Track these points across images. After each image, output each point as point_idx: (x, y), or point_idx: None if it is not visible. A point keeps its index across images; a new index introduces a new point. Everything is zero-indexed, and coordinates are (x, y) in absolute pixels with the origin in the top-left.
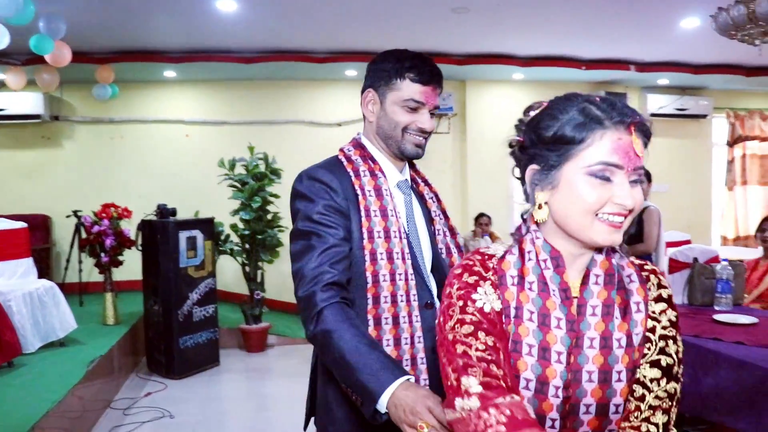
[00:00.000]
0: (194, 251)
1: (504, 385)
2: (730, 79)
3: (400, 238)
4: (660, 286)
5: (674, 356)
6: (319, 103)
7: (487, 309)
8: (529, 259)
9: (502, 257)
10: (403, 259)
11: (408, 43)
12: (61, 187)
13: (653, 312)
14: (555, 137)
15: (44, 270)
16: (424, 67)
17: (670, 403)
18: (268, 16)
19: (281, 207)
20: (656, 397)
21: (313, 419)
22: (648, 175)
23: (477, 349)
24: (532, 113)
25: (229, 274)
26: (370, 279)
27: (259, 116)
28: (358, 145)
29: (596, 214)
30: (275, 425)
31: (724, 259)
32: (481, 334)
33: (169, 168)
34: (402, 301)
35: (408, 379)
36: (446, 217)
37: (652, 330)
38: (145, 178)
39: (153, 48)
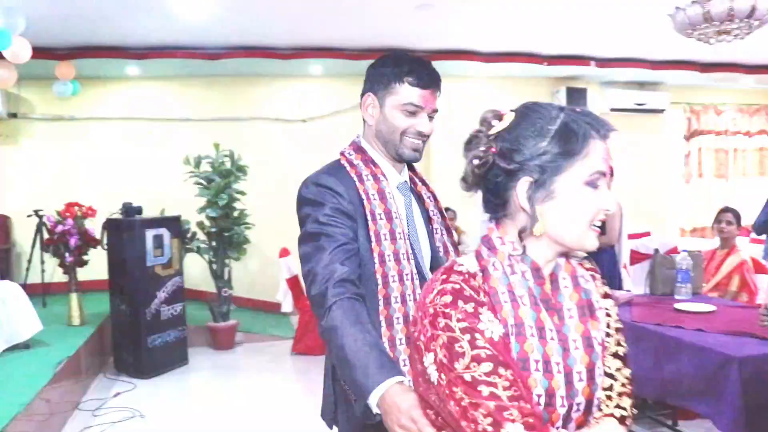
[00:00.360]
0: (161, 249)
1: (538, 416)
2: (686, 74)
3: (405, 239)
4: (603, 282)
5: (624, 345)
6: (285, 100)
7: (495, 338)
8: (513, 273)
9: (485, 274)
10: (408, 259)
11: (372, 39)
12: (20, 186)
13: (606, 308)
14: (559, 149)
15: (4, 271)
16: (423, 71)
17: (630, 387)
18: (232, 11)
19: (248, 204)
20: (622, 384)
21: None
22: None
23: (504, 388)
24: (498, 123)
25: (197, 272)
26: (380, 281)
27: (224, 113)
28: (358, 148)
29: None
30: (246, 421)
31: (684, 250)
32: (501, 370)
33: (133, 166)
34: (410, 300)
35: (401, 381)
36: (443, 217)
37: (608, 324)
38: (109, 177)
39: (115, 44)
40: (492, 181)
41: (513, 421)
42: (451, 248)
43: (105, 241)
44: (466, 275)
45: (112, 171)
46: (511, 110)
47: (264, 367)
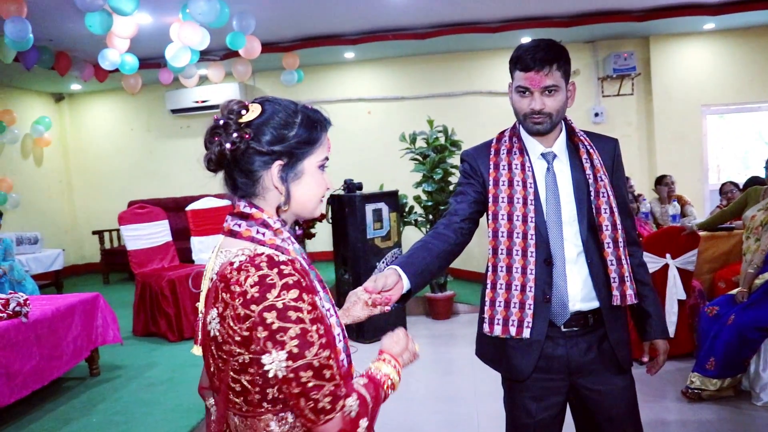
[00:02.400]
0: (380, 223)
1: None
2: None
3: (524, 203)
4: None
5: None
6: (496, 73)
7: (328, 323)
8: (291, 243)
9: (287, 256)
10: (524, 221)
11: (581, 4)
12: None
13: None
14: (304, 137)
15: None
16: (527, 55)
17: None
18: None
19: None
20: None
21: None
22: None
23: (337, 368)
24: (246, 113)
25: None
26: (490, 234)
27: (436, 89)
28: (514, 125)
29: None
30: (459, 389)
31: None
32: (332, 353)
33: (354, 145)
34: (517, 254)
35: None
36: (608, 176)
37: None
38: (332, 155)
39: (332, 32)
40: (244, 164)
41: (347, 395)
42: (615, 209)
43: (330, 215)
44: (289, 263)
45: (335, 150)
46: (254, 102)
47: None
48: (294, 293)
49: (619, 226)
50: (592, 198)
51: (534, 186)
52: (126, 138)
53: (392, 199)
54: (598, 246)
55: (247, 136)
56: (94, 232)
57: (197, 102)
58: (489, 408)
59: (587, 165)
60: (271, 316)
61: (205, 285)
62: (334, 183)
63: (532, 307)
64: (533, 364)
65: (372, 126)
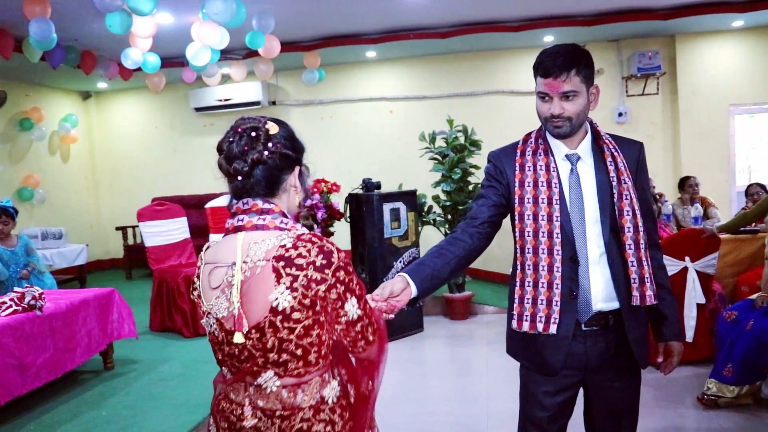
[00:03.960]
0: (398, 222)
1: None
2: None
3: (549, 203)
4: None
5: None
6: (518, 72)
7: None
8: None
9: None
10: (549, 220)
11: (608, 1)
12: None
13: None
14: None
15: None
16: (547, 61)
17: None
18: None
19: (482, 178)
20: None
21: None
22: None
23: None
24: (272, 127)
25: (433, 243)
26: (517, 234)
27: (458, 89)
28: (541, 127)
29: None
30: (475, 389)
31: None
32: None
33: (373, 143)
34: (543, 253)
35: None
36: (632, 179)
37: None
38: (351, 154)
39: (353, 31)
40: (275, 169)
41: (379, 317)
42: (638, 212)
43: (347, 214)
44: (324, 240)
45: (355, 148)
46: (270, 120)
47: (495, 339)
48: (342, 254)
49: (641, 229)
50: (615, 200)
51: (559, 186)
52: (151, 135)
53: (410, 198)
54: (619, 247)
55: (279, 145)
56: (117, 228)
57: (220, 100)
58: (500, 409)
59: (611, 167)
60: (341, 274)
61: (238, 278)
62: (353, 182)
63: (558, 303)
64: (563, 359)
65: (393, 125)
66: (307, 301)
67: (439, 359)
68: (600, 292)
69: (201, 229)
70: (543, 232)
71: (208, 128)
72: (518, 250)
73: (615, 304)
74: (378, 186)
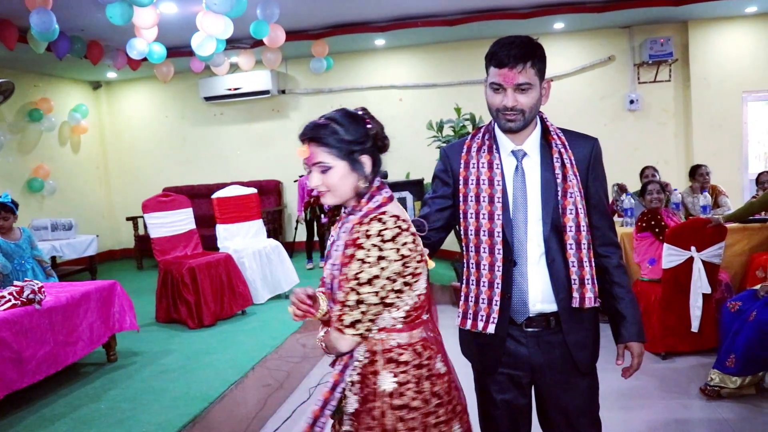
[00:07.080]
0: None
1: None
2: None
3: (491, 202)
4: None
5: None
6: None
7: None
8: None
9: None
10: (490, 219)
11: None
12: (289, 154)
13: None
14: None
15: (277, 230)
16: (502, 51)
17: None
18: None
19: None
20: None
21: None
22: None
23: None
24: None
25: None
26: (462, 232)
27: (467, 77)
28: (490, 122)
29: None
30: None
31: None
32: None
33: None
34: (485, 252)
35: None
36: (580, 176)
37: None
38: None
39: (362, 19)
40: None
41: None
42: (582, 211)
43: None
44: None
45: None
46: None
47: None
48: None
49: (583, 228)
50: (558, 198)
51: (502, 184)
52: (161, 125)
53: (417, 188)
54: (561, 247)
55: (373, 132)
56: (128, 218)
57: (230, 89)
58: None
59: (557, 164)
60: None
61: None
62: None
63: (498, 303)
64: (498, 359)
65: (402, 113)
66: None
67: (448, 348)
68: (538, 293)
69: (211, 219)
70: (484, 231)
71: (218, 117)
72: (464, 248)
73: (555, 306)
74: (384, 175)
